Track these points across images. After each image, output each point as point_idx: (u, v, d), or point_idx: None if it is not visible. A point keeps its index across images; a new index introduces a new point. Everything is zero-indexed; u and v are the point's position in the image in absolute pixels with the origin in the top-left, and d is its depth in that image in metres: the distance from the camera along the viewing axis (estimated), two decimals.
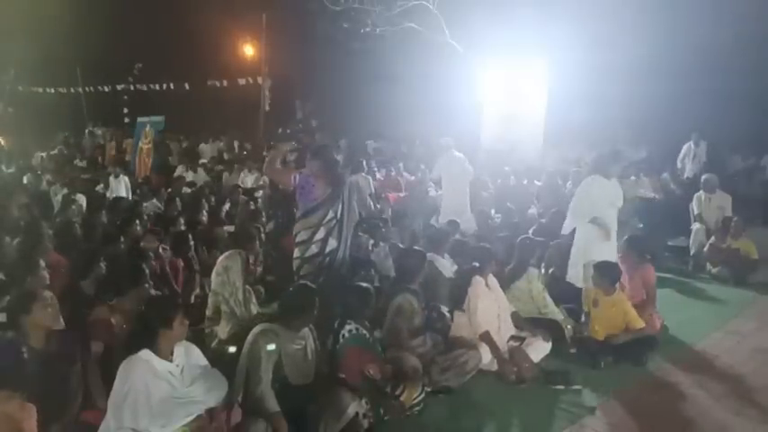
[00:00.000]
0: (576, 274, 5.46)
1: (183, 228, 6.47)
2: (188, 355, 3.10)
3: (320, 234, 4.55)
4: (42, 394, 2.85)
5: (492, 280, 4.84)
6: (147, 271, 4.10)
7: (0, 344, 3.10)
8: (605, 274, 4.85)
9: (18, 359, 2.81)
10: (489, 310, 4.60)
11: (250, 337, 3.46)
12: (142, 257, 4.69)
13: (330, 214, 4.56)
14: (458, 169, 8.06)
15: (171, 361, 2.98)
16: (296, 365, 3.50)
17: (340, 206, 4.59)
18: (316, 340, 3.74)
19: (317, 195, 4.58)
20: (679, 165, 11.32)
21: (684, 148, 11.10)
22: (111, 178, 10.21)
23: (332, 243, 4.56)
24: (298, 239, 4.62)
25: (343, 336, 3.83)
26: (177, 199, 8.13)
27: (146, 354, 2.90)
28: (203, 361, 3.18)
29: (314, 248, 4.55)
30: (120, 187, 9.97)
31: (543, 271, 5.99)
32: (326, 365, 3.75)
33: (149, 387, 2.83)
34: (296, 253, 4.65)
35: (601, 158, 5.64)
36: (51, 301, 3.28)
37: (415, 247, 5.07)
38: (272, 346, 3.39)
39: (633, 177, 9.20)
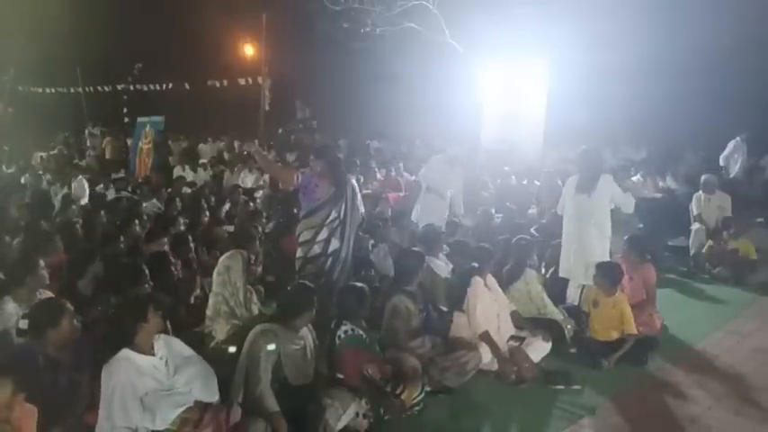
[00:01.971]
0: (567, 269, 5.51)
1: (182, 228, 6.47)
2: (169, 347, 3.10)
3: (323, 234, 4.55)
4: (53, 398, 2.86)
5: (491, 280, 4.84)
6: (147, 271, 4.09)
7: (20, 352, 3.12)
8: (607, 274, 4.84)
9: (35, 368, 2.82)
10: (488, 310, 4.59)
11: (250, 337, 3.47)
12: (163, 260, 4.68)
13: (333, 214, 4.56)
14: (447, 180, 7.23)
15: (153, 355, 2.99)
16: (295, 365, 3.49)
17: (343, 206, 4.59)
18: (315, 340, 3.73)
19: (319, 195, 4.58)
20: (722, 162, 11.02)
21: (732, 144, 10.81)
22: (72, 180, 10.16)
23: (334, 243, 4.57)
24: (301, 239, 4.62)
25: (339, 337, 3.82)
26: (177, 199, 8.13)
27: (125, 353, 2.91)
28: (187, 351, 3.19)
29: (316, 249, 4.56)
30: (79, 189, 9.91)
31: (544, 271, 5.99)
32: (324, 366, 3.74)
33: (135, 383, 2.84)
34: (298, 253, 4.65)
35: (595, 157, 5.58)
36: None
37: (414, 248, 5.07)
38: (271, 347, 3.39)
39: (638, 178, 9.19)
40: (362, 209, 5.50)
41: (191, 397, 2.99)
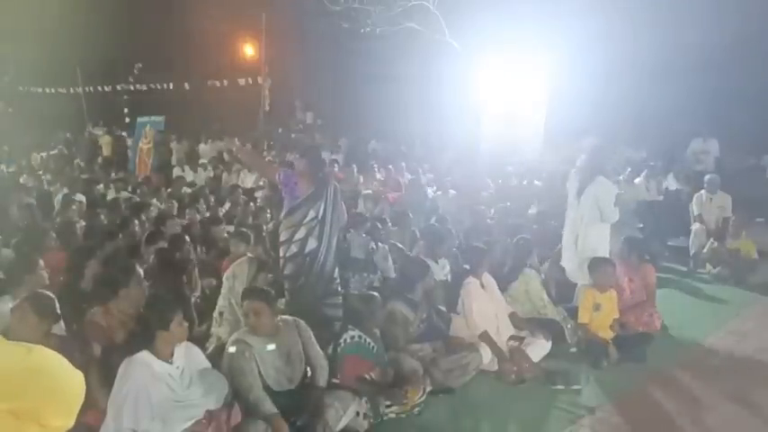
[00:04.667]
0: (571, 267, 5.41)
1: (181, 228, 6.45)
2: (188, 356, 3.08)
3: (300, 233, 4.50)
4: None
5: (488, 280, 4.82)
6: (141, 271, 4.04)
7: None
8: (601, 266, 4.81)
9: None
10: (486, 311, 4.58)
11: (226, 349, 3.41)
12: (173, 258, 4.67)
13: (311, 214, 4.52)
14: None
15: (171, 362, 2.97)
16: (274, 370, 3.40)
17: (322, 206, 4.56)
18: (306, 343, 3.63)
19: (299, 193, 4.57)
20: None
21: None
22: None
23: (312, 243, 4.50)
24: (281, 239, 4.59)
25: (345, 341, 3.80)
26: (177, 199, 8.13)
27: (145, 355, 2.89)
28: (205, 362, 3.17)
29: (293, 248, 4.50)
30: None
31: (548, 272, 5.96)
32: (324, 369, 3.70)
33: (149, 388, 2.82)
34: (280, 252, 4.64)
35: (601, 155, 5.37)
36: (48, 301, 3.26)
37: (421, 257, 5.02)
38: (271, 347, 3.37)
39: (641, 179, 9.17)
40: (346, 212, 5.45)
41: (202, 410, 2.96)
